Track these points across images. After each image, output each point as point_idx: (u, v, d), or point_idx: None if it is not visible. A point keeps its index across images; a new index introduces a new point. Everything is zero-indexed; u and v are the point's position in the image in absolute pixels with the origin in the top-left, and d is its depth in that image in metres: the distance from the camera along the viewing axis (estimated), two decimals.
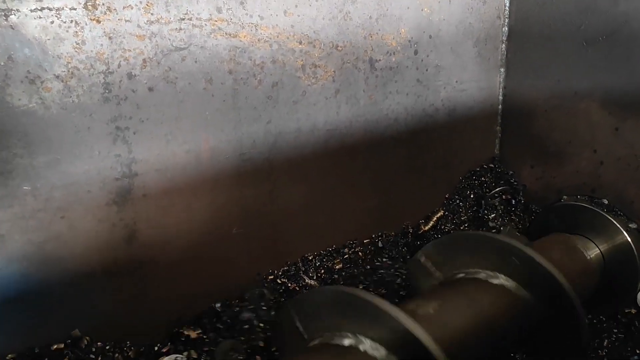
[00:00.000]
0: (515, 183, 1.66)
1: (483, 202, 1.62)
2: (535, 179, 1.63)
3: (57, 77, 0.93)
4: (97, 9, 0.94)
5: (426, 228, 1.55)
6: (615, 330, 1.32)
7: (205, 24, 1.06)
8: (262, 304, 1.16)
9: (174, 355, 1.06)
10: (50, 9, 0.90)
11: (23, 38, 0.88)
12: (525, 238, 1.49)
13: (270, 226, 1.29)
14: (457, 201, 1.65)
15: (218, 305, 1.19)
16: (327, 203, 1.38)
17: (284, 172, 1.26)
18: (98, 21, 0.95)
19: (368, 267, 1.26)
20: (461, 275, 1.09)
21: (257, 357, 1.07)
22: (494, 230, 1.60)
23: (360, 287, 1.22)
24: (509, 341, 1.04)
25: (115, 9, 0.96)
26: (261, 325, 1.13)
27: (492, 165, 1.71)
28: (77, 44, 0.94)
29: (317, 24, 1.22)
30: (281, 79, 1.20)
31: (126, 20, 0.98)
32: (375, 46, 1.34)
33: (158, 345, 1.12)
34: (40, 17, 0.89)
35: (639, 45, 1.33)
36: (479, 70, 1.60)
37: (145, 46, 1.01)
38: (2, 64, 0.87)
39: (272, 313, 1.14)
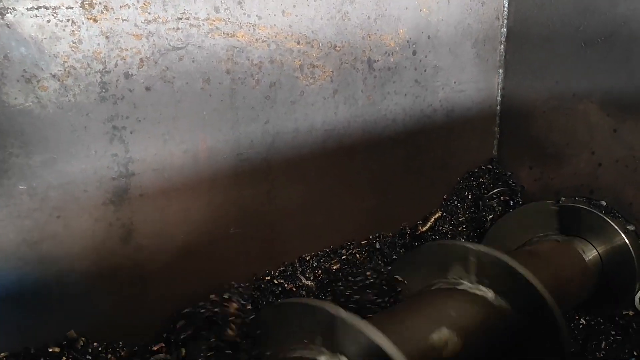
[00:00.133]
0: (514, 184, 1.66)
1: (481, 203, 1.62)
2: (534, 180, 1.63)
3: (54, 76, 0.92)
4: (94, 8, 0.94)
5: (424, 229, 1.55)
6: (613, 332, 1.32)
7: (203, 24, 1.06)
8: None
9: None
10: (46, 8, 0.89)
11: (19, 37, 0.88)
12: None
13: (268, 226, 1.28)
14: (455, 202, 1.64)
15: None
16: (325, 203, 1.38)
17: (281, 172, 1.26)
18: (95, 20, 0.95)
19: (349, 277, 1.23)
20: (440, 285, 1.07)
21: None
22: None
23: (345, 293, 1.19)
24: (490, 354, 1.02)
25: (112, 8, 0.96)
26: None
27: (490, 166, 1.71)
28: (74, 43, 0.93)
29: (315, 24, 1.22)
30: (279, 79, 1.19)
31: (123, 20, 0.97)
32: (374, 46, 1.34)
33: (151, 345, 1.11)
34: (36, 16, 0.89)
35: (638, 47, 1.33)
36: (477, 71, 1.60)
37: (142, 45, 1.00)
38: None
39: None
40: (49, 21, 0.90)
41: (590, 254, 1.36)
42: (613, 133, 1.42)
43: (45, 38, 0.90)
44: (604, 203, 1.45)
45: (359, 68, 1.33)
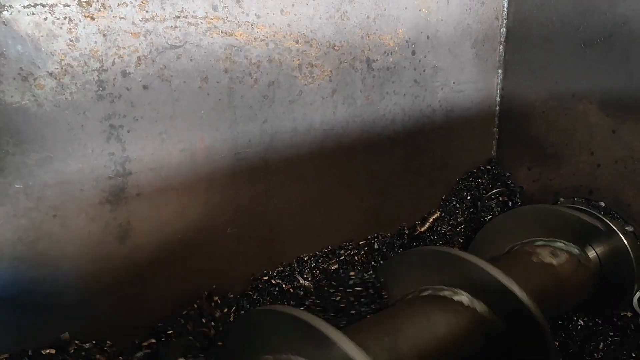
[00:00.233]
0: (512, 185, 1.66)
1: (480, 203, 1.62)
2: (532, 181, 1.63)
3: (50, 74, 0.92)
4: (91, 6, 0.93)
5: (422, 229, 1.55)
6: (611, 334, 1.32)
7: (201, 22, 1.06)
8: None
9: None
10: (43, 6, 0.89)
11: (16, 34, 0.87)
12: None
13: (266, 226, 1.28)
14: (454, 202, 1.64)
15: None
16: (324, 203, 1.37)
17: (279, 171, 1.25)
18: (92, 18, 0.94)
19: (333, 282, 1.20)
20: (422, 292, 1.06)
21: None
22: None
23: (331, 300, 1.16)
24: None
25: (109, 6, 0.95)
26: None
27: (489, 167, 1.71)
28: (71, 41, 0.93)
29: (314, 23, 1.22)
30: (277, 78, 1.19)
31: (121, 18, 0.97)
32: (373, 46, 1.33)
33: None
34: (33, 14, 0.88)
35: (637, 47, 1.33)
36: (476, 72, 1.59)
37: (140, 44, 1.00)
38: None
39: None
40: (45, 19, 0.90)
41: (589, 254, 1.35)
42: (612, 134, 1.41)
43: (42, 36, 0.90)
44: (602, 204, 1.45)
45: (357, 68, 1.32)
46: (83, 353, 0.99)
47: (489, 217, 1.60)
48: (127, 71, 0.99)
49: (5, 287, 0.95)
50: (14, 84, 0.88)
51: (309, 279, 1.34)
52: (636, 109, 1.36)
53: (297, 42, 1.20)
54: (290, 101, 1.22)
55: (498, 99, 1.67)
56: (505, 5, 1.59)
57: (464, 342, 0.98)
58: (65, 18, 0.91)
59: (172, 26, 1.02)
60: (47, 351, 0.98)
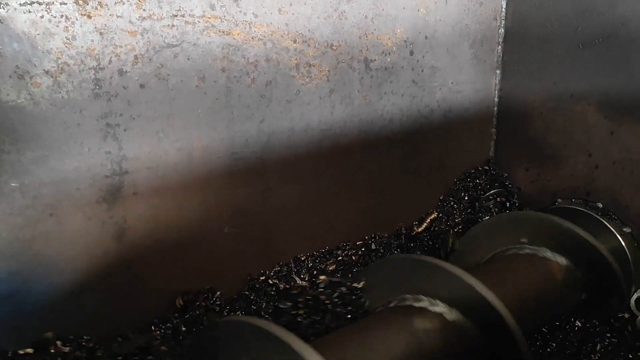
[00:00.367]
0: (510, 185, 1.66)
1: (477, 204, 1.62)
2: (530, 182, 1.63)
3: (47, 72, 0.91)
4: (88, 4, 0.93)
5: (419, 230, 1.54)
6: (609, 335, 1.32)
7: (198, 21, 1.05)
8: None
9: None
10: (40, 3, 0.89)
11: (12, 32, 0.87)
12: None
13: (263, 226, 1.28)
14: (452, 203, 1.64)
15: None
16: (321, 203, 1.37)
17: (277, 171, 1.25)
18: (89, 16, 0.94)
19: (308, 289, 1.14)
20: (399, 302, 1.02)
21: None
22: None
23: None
24: None
25: (106, 4, 0.95)
26: None
27: (487, 168, 1.71)
28: (68, 39, 0.92)
29: (311, 23, 1.21)
30: (275, 77, 1.19)
31: (118, 16, 0.97)
32: (371, 46, 1.33)
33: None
34: (29, 12, 0.88)
35: (636, 48, 1.32)
36: (475, 72, 1.59)
37: (136, 42, 1.00)
38: None
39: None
40: (42, 17, 0.89)
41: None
42: (610, 135, 1.41)
43: (38, 34, 0.89)
44: (600, 205, 1.45)
45: (355, 68, 1.32)
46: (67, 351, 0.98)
47: (486, 218, 1.59)
48: (124, 70, 0.99)
49: (1, 285, 0.95)
50: (9, 82, 0.88)
51: (306, 279, 1.33)
52: (635, 111, 1.36)
53: (294, 41, 1.20)
54: (287, 101, 1.22)
55: (496, 99, 1.67)
56: (504, 6, 1.59)
57: (440, 354, 0.95)
58: (61, 16, 0.91)
59: (169, 25, 1.02)
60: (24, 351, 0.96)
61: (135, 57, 1.00)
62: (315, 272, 1.36)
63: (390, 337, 0.94)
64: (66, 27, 0.92)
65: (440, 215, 1.61)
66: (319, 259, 1.39)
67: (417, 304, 1.00)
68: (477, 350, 0.99)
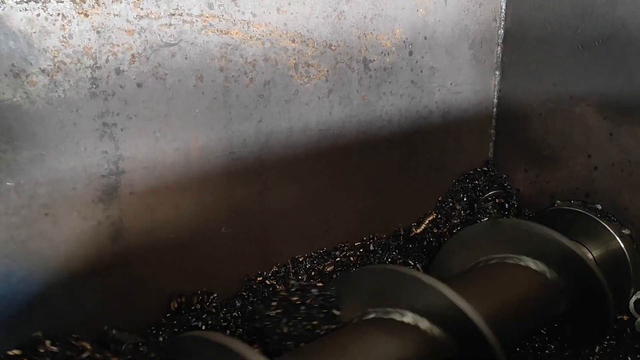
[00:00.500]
0: (509, 187, 1.65)
1: (476, 205, 1.61)
2: (529, 183, 1.62)
3: (43, 71, 0.91)
4: (85, 2, 0.92)
5: (418, 231, 1.54)
6: (608, 337, 1.31)
7: (196, 20, 1.05)
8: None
9: None
10: (36, 1, 0.88)
11: (8, 30, 0.86)
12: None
13: (261, 226, 1.27)
14: (450, 204, 1.63)
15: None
16: (319, 204, 1.36)
17: (275, 171, 1.25)
18: (86, 15, 0.93)
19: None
20: (373, 314, 1.00)
21: None
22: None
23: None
24: None
25: (103, 3, 0.94)
26: None
27: (486, 169, 1.70)
28: (64, 37, 0.92)
29: (310, 23, 1.21)
30: (273, 77, 1.18)
31: (115, 15, 0.96)
32: (370, 46, 1.33)
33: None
34: (26, 10, 0.87)
35: (635, 50, 1.32)
36: (474, 73, 1.59)
37: (134, 41, 0.99)
38: None
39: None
40: (38, 15, 0.89)
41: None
42: (609, 136, 1.41)
43: (34, 32, 0.89)
44: (599, 207, 1.44)
45: (354, 68, 1.31)
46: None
47: (485, 219, 1.59)
48: (121, 69, 0.99)
49: None
50: (5, 81, 0.87)
51: (304, 280, 1.33)
52: (634, 112, 1.35)
53: (293, 41, 1.19)
54: (286, 101, 1.22)
55: (495, 100, 1.67)
56: (503, 7, 1.59)
57: None
58: (58, 14, 0.90)
59: (167, 24, 1.02)
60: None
61: (133, 56, 0.99)
62: (313, 273, 1.36)
63: (364, 352, 0.92)
64: (63, 25, 0.91)
65: (439, 216, 1.60)
66: (316, 259, 1.38)
67: (392, 317, 0.97)
68: None
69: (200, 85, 1.08)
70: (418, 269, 1.45)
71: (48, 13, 0.89)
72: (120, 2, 0.96)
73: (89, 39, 0.94)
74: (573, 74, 1.46)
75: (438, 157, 1.59)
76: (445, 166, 1.63)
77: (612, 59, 1.37)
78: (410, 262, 1.48)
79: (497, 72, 1.64)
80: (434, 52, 1.47)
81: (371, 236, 1.48)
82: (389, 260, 1.48)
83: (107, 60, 0.97)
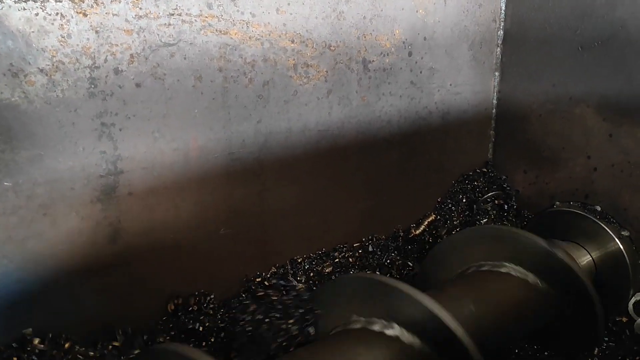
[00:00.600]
0: (508, 188, 1.65)
1: (475, 206, 1.61)
2: (528, 184, 1.62)
3: (41, 70, 0.90)
4: (83, 2, 0.92)
5: (417, 232, 1.54)
6: (607, 339, 1.31)
7: (195, 20, 1.04)
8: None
9: None
10: (35, 1, 0.88)
11: (6, 30, 0.86)
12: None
13: (259, 227, 1.27)
14: (449, 205, 1.63)
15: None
16: (318, 205, 1.36)
17: (274, 172, 1.24)
18: (85, 14, 0.93)
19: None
20: (355, 324, 0.97)
21: None
22: None
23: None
24: None
25: (102, 2, 0.94)
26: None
27: (485, 170, 1.70)
28: (63, 37, 0.91)
29: (309, 23, 1.21)
30: (272, 78, 1.18)
31: (114, 14, 0.96)
32: (369, 47, 1.33)
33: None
34: (24, 9, 0.87)
35: (635, 51, 1.32)
36: (473, 74, 1.59)
37: (133, 41, 0.99)
38: None
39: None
40: (37, 14, 0.88)
41: (584, 259, 1.34)
42: (609, 138, 1.41)
43: (33, 31, 0.89)
44: (598, 208, 1.44)
45: (353, 68, 1.31)
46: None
47: (484, 220, 1.59)
48: (120, 69, 0.98)
49: None
50: (4, 80, 0.87)
51: (303, 281, 1.32)
52: (633, 113, 1.35)
53: (292, 41, 1.19)
54: (285, 101, 1.21)
55: (495, 101, 1.67)
56: (503, 8, 1.59)
57: None
58: (57, 14, 0.90)
59: (165, 24, 1.01)
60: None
61: (131, 56, 0.99)
62: (312, 274, 1.36)
63: None
64: (61, 25, 0.91)
65: (438, 217, 1.60)
66: (315, 260, 1.38)
67: (372, 327, 0.95)
68: None
69: (199, 85, 1.08)
70: (417, 272, 1.45)
71: (47, 12, 0.89)
72: (119, 2, 0.96)
73: (88, 39, 0.94)
74: (573, 74, 1.46)
75: (437, 158, 1.59)
76: (444, 167, 1.62)
77: (612, 60, 1.37)
78: (409, 263, 1.48)
79: (497, 73, 1.64)
80: (433, 53, 1.46)
81: (370, 237, 1.48)
82: (388, 261, 1.48)
83: (105, 60, 0.97)
